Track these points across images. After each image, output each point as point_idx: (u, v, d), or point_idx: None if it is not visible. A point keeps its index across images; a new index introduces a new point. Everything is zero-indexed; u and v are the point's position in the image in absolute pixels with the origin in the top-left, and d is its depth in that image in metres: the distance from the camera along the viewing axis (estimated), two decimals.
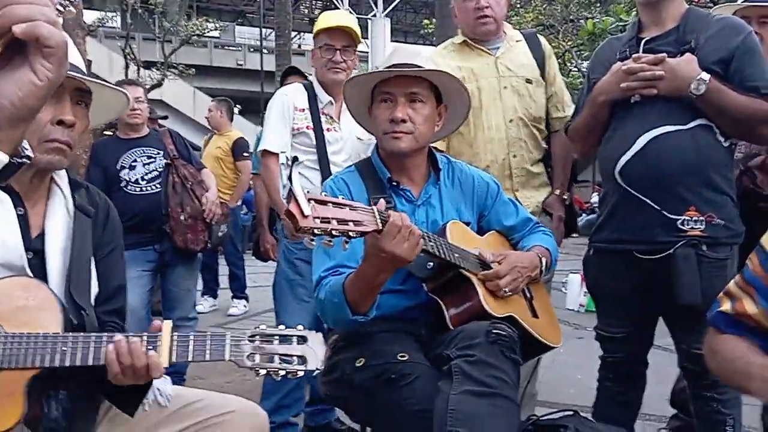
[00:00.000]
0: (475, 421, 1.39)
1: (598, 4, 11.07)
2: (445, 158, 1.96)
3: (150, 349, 1.23)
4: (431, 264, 1.70)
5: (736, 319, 1.20)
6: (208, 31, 22.52)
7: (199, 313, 4.99)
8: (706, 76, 1.79)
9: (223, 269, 5.80)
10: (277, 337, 1.30)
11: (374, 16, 29.23)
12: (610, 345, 2.04)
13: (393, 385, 1.54)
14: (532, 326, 1.80)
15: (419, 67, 1.78)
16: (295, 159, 2.57)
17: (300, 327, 1.34)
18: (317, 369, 1.31)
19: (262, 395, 2.64)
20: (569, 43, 11.03)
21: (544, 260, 1.89)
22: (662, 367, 3.44)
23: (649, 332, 2.05)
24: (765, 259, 1.16)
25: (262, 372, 1.26)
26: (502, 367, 1.48)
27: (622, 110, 1.93)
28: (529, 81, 2.49)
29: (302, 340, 1.31)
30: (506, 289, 1.75)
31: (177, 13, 16.69)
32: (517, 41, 2.58)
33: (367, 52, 24.53)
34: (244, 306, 5.66)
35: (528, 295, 1.90)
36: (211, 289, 5.79)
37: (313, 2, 31.51)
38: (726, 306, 1.23)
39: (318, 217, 1.33)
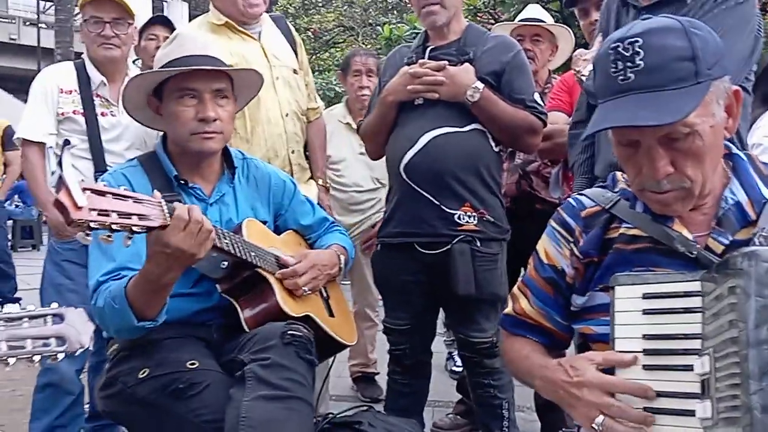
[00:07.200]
0: (268, 426, 1.36)
1: (395, 11, 11.60)
2: (240, 154, 1.88)
3: None
4: (226, 263, 1.62)
5: (518, 319, 1.29)
6: None
7: None
8: (480, 85, 1.95)
9: None
10: (26, 319, 1.13)
11: None
12: (396, 337, 2.13)
13: (181, 396, 1.45)
14: (329, 325, 1.82)
15: (219, 60, 1.69)
16: (66, 142, 2.26)
17: (54, 305, 1.18)
18: (82, 348, 1.15)
19: (31, 415, 2.32)
20: (369, 46, 11.41)
21: (342, 258, 1.92)
22: None
23: (431, 323, 2.18)
24: (539, 263, 1.26)
25: (12, 361, 1.07)
26: (297, 369, 1.46)
27: (407, 111, 2.04)
28: (295, 71, 2.42)
29: (59, 318, 1.16)
30: (305, 288, 1.74)
31: None
32: (271, 25, 2.45)
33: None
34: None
35: (325, 294, 1.91)
36: None
37: None
38: (509, 308, 1.32)
39: (95, 209, 1.18)
